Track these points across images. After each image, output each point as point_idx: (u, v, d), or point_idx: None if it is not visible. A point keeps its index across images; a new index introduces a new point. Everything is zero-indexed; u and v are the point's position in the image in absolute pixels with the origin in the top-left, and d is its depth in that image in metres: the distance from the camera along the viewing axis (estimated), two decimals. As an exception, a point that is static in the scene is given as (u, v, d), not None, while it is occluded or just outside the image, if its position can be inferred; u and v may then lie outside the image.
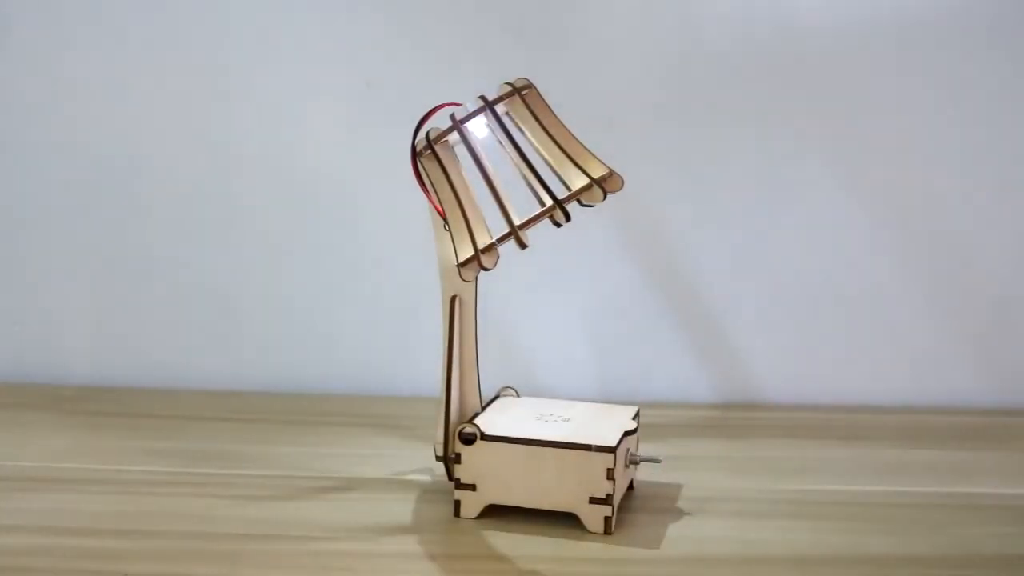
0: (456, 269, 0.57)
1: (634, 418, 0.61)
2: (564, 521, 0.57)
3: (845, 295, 0.83)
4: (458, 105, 0.57)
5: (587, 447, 0.56)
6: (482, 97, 0.56)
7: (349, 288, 0.85)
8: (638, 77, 0.82)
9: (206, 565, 0.53)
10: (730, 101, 0.82)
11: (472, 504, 0.58)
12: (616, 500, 0.56)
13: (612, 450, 0.55)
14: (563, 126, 0.57)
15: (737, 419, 0.79)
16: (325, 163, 0.83)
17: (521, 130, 0.57)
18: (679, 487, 0.63)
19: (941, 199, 0.82)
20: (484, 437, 0.57)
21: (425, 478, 0.62)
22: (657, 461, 0.60)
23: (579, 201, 0.56)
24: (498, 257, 0.57)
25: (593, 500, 0.56)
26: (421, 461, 0.65)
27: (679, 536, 0.57)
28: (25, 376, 0.85)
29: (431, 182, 0.58)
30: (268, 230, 0.84)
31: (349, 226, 0.84)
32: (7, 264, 0.85)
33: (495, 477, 0.58)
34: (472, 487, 0.58)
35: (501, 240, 0.56)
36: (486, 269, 0.57)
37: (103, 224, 0.84)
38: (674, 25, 0.81)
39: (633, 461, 0.60)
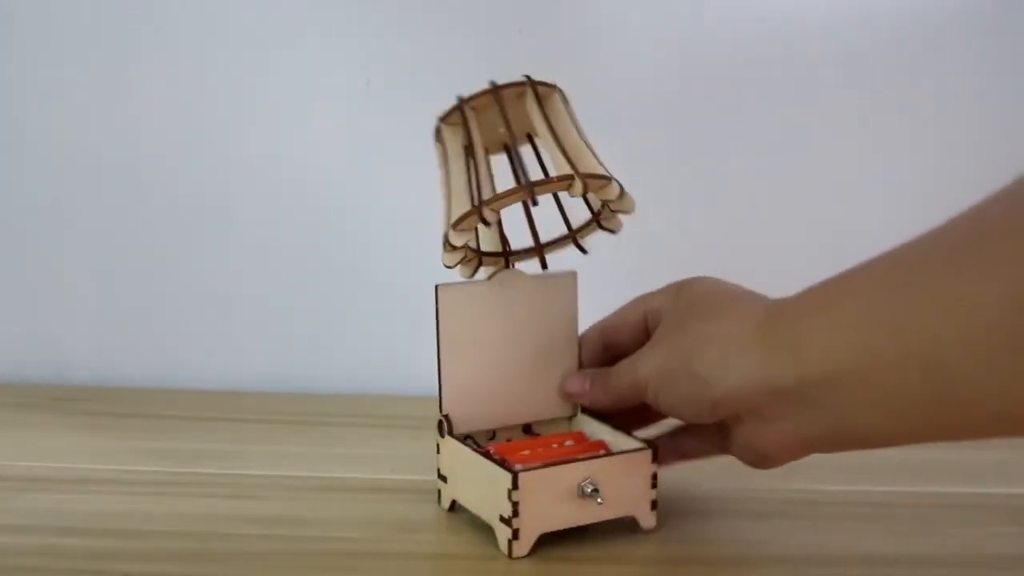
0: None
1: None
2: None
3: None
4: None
5: (502, 463, 0.53)
6: (491, 83, 0.56)
7: (350, 288, 0.85)
8: (643, 75, 0.82)
9: (206, 565, 0.53)
10: (735, 99, 0.82)
11: (445, 495, 0.59)
12: (527, 524, 0.53)
13: (512, 471, 0.52)
14: (582, 134, 0.55)
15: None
16: (325, 162, 0.83)
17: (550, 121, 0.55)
18: (679, 487, 0.63)
19: (948, 199, 0.82)
20: (451, 432, 0.57)
21: (426, 478, 0.62)
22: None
23: (599, 224, 0.56)
24: (497, 216, 0.54)
25: (502, 519, 0.53)
26: (422, 461, 0.65)
27: (678, 536, 0.57)
28: (25, 376, 0.86)
29: (444, 146, 0.56)
30: (268, 229, 0.84)
31: (350, 225, 0.84)
32: (7, 264, 0.85)
33: (455, 475, 0.58)
34: (444, 479, 0.59)
35: (507, 195, 0.53)
36: (486, 223, 0.53)
37: (103, 224, 0.84)
38: (679, 23, 0.81)
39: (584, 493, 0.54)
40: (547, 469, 0.53)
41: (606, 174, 0.53)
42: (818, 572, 0.53)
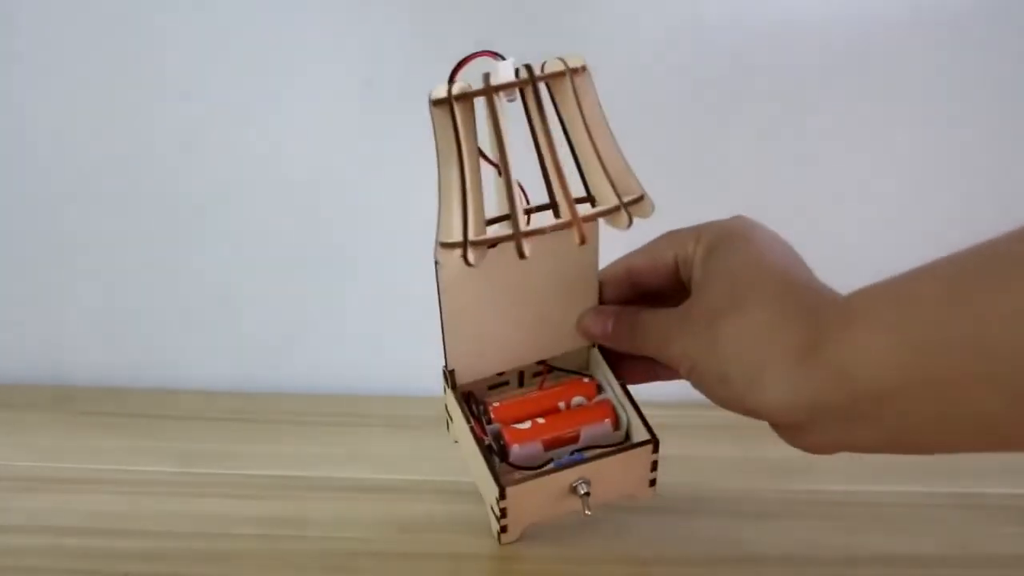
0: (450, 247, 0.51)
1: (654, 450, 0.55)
2: (569, 524, 0.56)
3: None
4: (501, 57, 0.52)
5: (493, 459, 0.53)
6: (527, 67, 0.51)
7: (350, 288, 0.85)
8: (644, 76, 0.82)
9: (206, 565, 0.53)
10: (736, 100, 0.82)
11: (452, 433, 0.58)
12: (515, 520, 0.54)
13: (500, 483, 0.52)
14: (607, 126, 0.52)
15: (737, 419, 0.79)
16: (326, 162, 0.83)
17: (560, 119, 0.52)
18: (679, 487, 0.63)
19: (951, 203, 0.82)
20: (453, 387, 0.56)
21: (426, 478, 0.62)
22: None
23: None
24: (484, 256, 0.51)
25: (493, 511, 0.54)
26: (422, 461, 0.65)
27: (678, 536, 0.57)
28: (25, 376, 0.85)
29: (436, 140, 0.51)
30: (269, 229, 0.84)
31: (350, 225, 0.84)
32: (7, 264, 0.85)
33: (456, 426, 0.57)
34: (451, 418, 0.58)
35: (497, 242, 0.50)
36: (469, 265, 0.50)
37: (103, 224, 0.84)
38: (680, 24, 0.81)
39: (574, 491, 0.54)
40: (536, 480, 0.52)
41: (614, 205, 0.50)
42: (818, 572, 0.53)
